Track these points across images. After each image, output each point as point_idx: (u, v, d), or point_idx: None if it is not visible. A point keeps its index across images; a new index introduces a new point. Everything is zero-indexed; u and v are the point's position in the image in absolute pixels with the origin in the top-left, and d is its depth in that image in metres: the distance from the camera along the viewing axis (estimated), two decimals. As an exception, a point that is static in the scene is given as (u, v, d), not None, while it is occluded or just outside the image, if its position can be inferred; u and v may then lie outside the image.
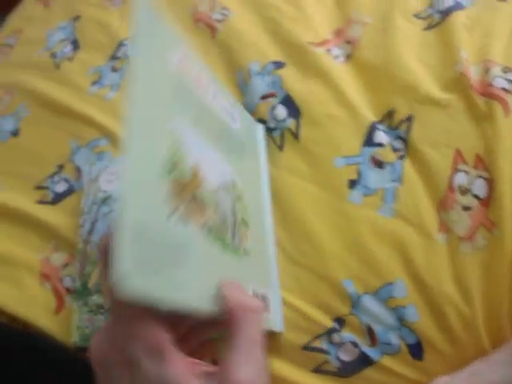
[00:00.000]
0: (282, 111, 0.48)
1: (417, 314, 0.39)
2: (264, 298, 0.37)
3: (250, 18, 0.56)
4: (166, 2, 0.60)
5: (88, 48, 0.61)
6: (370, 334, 0.40)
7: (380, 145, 0.44)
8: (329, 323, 0.41)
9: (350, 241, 0.42)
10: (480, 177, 0.41)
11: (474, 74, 0.45)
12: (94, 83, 0.57)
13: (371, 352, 0.40)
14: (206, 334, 0.33)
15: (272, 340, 0.39)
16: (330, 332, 0.40)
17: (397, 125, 0.45)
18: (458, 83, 0.44)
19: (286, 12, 0.55)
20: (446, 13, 0.50)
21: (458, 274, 0.40)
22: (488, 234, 0.40)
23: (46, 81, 0.59)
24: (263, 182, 0.45)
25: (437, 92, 0.45)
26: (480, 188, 0.41)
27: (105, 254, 0.28)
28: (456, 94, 0.44)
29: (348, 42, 0.52)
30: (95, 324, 0.43)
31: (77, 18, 0.65)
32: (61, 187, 0.52)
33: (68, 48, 0.62)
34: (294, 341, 0.41)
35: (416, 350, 0.39)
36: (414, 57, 0.48)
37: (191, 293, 0.28)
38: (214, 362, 0.39)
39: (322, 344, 0.40)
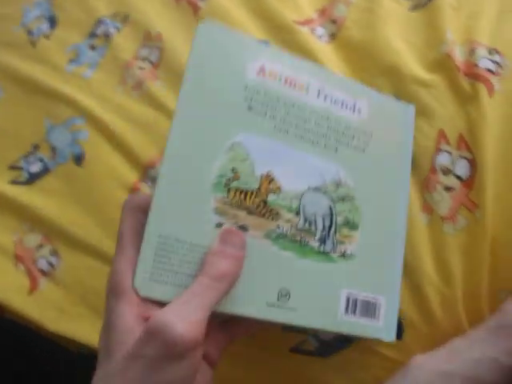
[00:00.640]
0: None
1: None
2: (370, 305, 0.36)
3: (234, -4, 0.55)
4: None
5: (65, 25, 0.59)
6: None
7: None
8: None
9: None
10: (463, 157, 0.41)
11: (459, 54, 0.44)
12: (71, 61, 0.55)
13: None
14: None
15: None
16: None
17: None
18: (443, 64, 0.44)
19: (269, -10, 0.54)
20: (432, -7, 0.49)
21: (439, 254, 0.40)
22: (469, 214, 0.40)
23: (22, 59, 0.57)
24: (403, 172, 0.40)
25: (421, 72, 0.44)
26: (462, 169, 0.41)
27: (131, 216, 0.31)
28: (441, 75, 0.44)
29: (333, 22, 0.51)
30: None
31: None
32: (35, 167, 0.50)
33: (45, 25, 0.59)
34: None
35: (396, 330, 0.39)
36: (399, 37, 0.47)
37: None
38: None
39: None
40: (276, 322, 0.33)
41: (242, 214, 0.33)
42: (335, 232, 0.36)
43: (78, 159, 0.49)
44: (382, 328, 0.36)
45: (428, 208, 0.41)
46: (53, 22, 0.60)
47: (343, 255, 0.36)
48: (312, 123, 0.37)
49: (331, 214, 0.36)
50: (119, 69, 0.53)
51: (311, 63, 0.39)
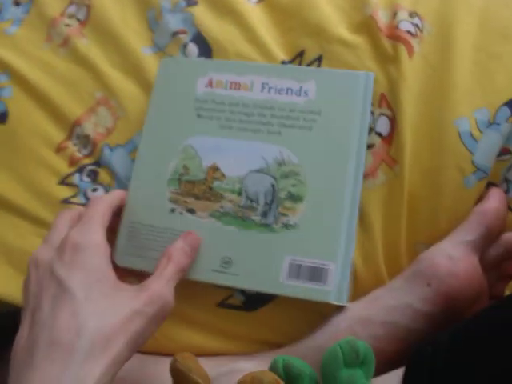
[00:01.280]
0: (193, 49, 0.47)
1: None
2: (317, 270, 0.39)
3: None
4: None
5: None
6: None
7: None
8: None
9: None
10: (383, 115, 0.43)
11: (382, 17, 0.46)
12: (-6, 17, 0.53)
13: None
14: None
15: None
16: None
17: (307, 65, 0.45)
18: (366, 25, 0.45)
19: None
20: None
21: (360, 208, 0.41)
22: (389, 170, 0.42)
23: None
24: (355, 141, 0.41)
25: (346, 33, 0.45)
26: (383, 126, 0.42)
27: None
28: (364, 36, 0.45)
29: (262, -17, 0.51)
30: None
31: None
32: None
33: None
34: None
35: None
36: (325, -1, 0.48)
37: None
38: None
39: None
40: (221, 285, 0.40)
41: (191, 199, 0.42)
42: (277, 206, 0.41)
43: (1, 116, 0.47)
44: (331, 292, 0.39)
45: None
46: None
47: (285, 226, 0.40)
48: (255, 115, 0.43)
49: (273, 191, 0.41)
50: (45, 26, 0.51)
51: (256, 63, 0.45)
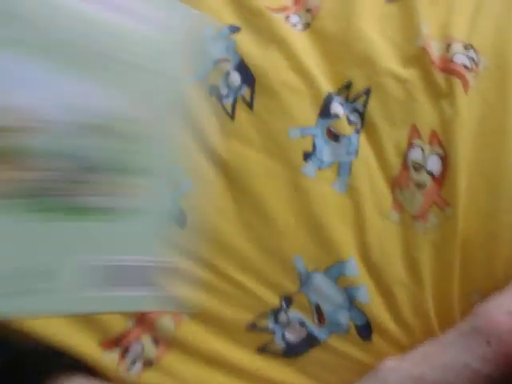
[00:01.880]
0: (235, 77, 0.45)
1: (367, 295, 0.38)
2: (144, 270, 0.30)
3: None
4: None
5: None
6: (319, 313, 0.38)
7: (336, 116, 0.42)
8: (276, 301, 0.38)
9: (302, 216, 0.40)
10: (434, 153, 0.40)
11: (434, 49, 0.43)
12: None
13: (318, 332, 0.38)
14: None
15: (213, 318, 0.37)
16: (276, 310, 0.38)
17: (354, 97, 0.43)
18: (418, 58, 0.43)
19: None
20: (409, -14, 0.48)
21: (409, 253, 0.39)
22: (440, 212, 0.39)
23: None
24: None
25: (396, 66, 0.43)
26: (434, 165, 0.40)
27: None
28: (416, 69, 0.43)
29: (307, 10, 0.49)
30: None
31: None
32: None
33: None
34: (237, 319, 0.38)
35: (364, 331, 0.38)
36: (374, 29, 0.46)
37: None
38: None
39: (267, 323, 0.38)
40: None
41: None
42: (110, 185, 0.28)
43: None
44: (166, 298, 0.30)
45: (399, 206, 0.40)
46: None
47: (121, 213, 0.29)
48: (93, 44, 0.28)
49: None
50: None
51: None
